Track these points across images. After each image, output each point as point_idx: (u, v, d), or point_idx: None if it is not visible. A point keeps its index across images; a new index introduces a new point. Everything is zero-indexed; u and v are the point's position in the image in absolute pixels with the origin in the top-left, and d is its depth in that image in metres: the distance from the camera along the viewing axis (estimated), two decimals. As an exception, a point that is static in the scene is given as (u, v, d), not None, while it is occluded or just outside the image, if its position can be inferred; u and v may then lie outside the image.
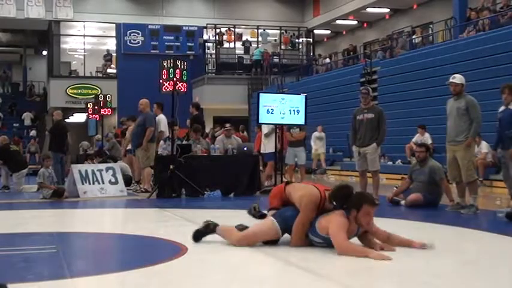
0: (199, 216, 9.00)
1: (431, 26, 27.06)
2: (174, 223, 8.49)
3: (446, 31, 24.08)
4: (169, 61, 12.34)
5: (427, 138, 16.62)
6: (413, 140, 16.77)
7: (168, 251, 6.06)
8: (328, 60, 34.43)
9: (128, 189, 13.27)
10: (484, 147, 14.82)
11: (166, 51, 32.66)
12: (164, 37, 34.45)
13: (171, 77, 12.15)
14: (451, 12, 24.72)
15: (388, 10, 31.96)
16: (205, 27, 35.32)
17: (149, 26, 34.30)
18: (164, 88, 12.31)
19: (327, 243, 5.80)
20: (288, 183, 6.55)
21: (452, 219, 8.54)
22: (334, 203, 5.87)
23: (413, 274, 5.00)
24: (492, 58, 17.63)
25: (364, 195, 6.12)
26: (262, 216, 6.35)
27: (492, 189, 13.83)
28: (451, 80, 9.51)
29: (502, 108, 9.36)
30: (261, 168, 14.73)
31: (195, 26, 35.03)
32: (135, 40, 34.23)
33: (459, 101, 9.43)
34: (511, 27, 18.94)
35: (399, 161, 18.91)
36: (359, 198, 5.84)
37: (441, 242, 6.31)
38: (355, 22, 34.96)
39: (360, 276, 4.98)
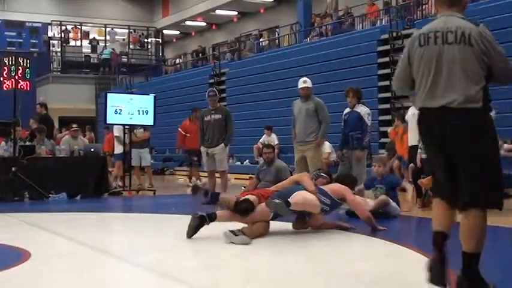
0: (43, 220, 8.73)
1: (277, 29, 27.83)
2: (15, 228, 8.12)
3: (292, 35, 24.89)
4: (10, 58, 11.88)
5: (273, 139, 17.05)
6: (261, 140, 17.16)
7: (10, 257, 5.80)
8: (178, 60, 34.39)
9: None
10: (327, 147, 15.38)
11: (8, 48, 31.21)
12: (5, 33, 32.87)
13: (12, 74, 11.68)
14: (296, 17, 25.58)
15: (236, 13, 32.51)
16: (50, 24, 34.13)
17: (-12, 21, 32.63)
18: (5, 86, 11.80)
19: (331, 207, 7.04)
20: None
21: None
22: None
23: (261, 271, 5.12)
24: (335, 62, 18.45)
25: None
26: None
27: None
28: (304, 85, 9.80)
29: (347, 110, 9.80)
30: (110, 169, 14.47)
31: (39, 22, 33.74)
32: (-28, 35, 32.43)
33: (308, 102, 9.78)
34: (352, 33, 19.91)
35: (247, 161, 19.27)
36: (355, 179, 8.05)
37: (288, 240, 6.54)
38: (204, 24, 35.25)
39: (206, 274, 5.03)
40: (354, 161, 9.55)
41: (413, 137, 10.43)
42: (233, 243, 6.12)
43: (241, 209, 6.49)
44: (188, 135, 14.85)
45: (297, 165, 9.88)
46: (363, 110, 9.66)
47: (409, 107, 11.13)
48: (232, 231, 6.22)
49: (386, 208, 8.48)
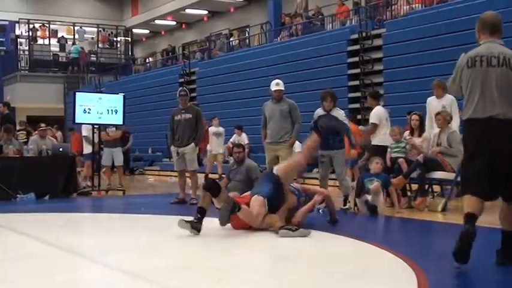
0: (11, 221, 8.63)
1: (247, 29, 27.82)
2: (-18, 228, 8.01)
3: (262, 35, 24.90)
4: (-23, 57, 11.72)
5: (243, 139, 17.04)
6: (231, 140, 17.13)
7: (-23, 258, 5.72)
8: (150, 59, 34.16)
9: None
10: (297, 146, 15.41)
11: (-27, 46, 30.83)
12: (-29, 31, 32.48)
13: (-22, 73, 11.54)
14: (267, 16, 25.61)
15: (206, 12, 32.44)
16: (18, 22, 33.72)
17: (-47, 19, 32.15)
18: (-29, 85, 11.65)
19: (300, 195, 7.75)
20: None
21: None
22: None
23: (234, 271, 5.12)
24: (305, 62, 18.51)
25: None
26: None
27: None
28: (277, 87, 9.88)
29: (321, 112, 9.77)
30: (79, 169, 14.33)
31: (6, 20, 33.33)
32: None
33: (281, 104, 9.90)
34: (322, 33, 19.99)
35: (217, 160, 19.20)
36: None
37: (260, 239, 6.56)
38: (173, 23, 35.11)
39: (176, 274, 5.01)
40: (335, 161, 9.61)
41: (382, 137, 10.47)
42: (293, 236, 6.54)
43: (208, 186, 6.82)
44: None
45: (270, 165, 9.92)
46: (339, 113, 9.71)
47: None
48: (288, 228, 6.66)
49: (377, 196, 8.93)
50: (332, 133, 9.59)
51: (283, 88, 9.97)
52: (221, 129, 17.38)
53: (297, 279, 4.81)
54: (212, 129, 17.15)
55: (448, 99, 10.00)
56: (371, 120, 10.50)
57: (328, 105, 9.71)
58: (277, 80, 10.11)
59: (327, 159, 9.68)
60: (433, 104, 10.18)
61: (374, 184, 8.95)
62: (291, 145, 10.02)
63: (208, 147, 16.92)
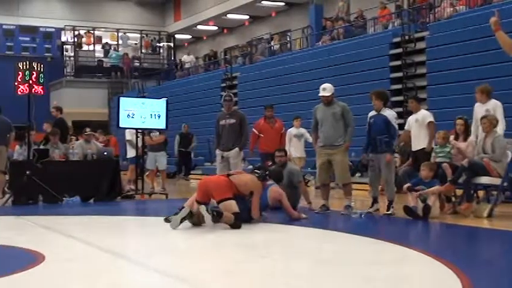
0: (57, 223, 8.77)
1: (289, 33, 27.81)
2: (30, 231, 8.17)
3: (304, 39, 24.87)
4: (24, 63, 12.00)
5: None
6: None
7: (24, 260, 5.83)
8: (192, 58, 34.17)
9: None
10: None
11: (22, 53, 31.50)
12: (20, 38, 33.18)
13: (27, 79, 11.78)
14: (308, 20, 25.57)
15: (247, 17, 32.54)
16: (63, 29, 34.32)
17: (3, 26, 32.88)
18: (20, 91, 11.90)
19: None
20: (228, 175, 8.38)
21: (320, 221, 8.80)
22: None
23: (275, 276, 5.12)
24: (347, 66, 18.41)
25: None
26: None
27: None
28: (323, 93, 9.77)
29: (372, 113, 9.73)
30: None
31: (53, 27, 33.95)
32: (-12, 40, 32.70)
33: (333, 107, 9.75)
34: (364, 36, 19.88)
35: (259, 164, 19.19)
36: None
37: (294, 243, 6.55)
38: (215, 28, 35.30)
39: (220, 278, 5.03)
40: (382, 164, 9.46)
41: (416, 141, 10.32)
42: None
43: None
44: (262, 135, 13.25)
45: (321, 168, 9.86)
46: (389, 113, 9.58)
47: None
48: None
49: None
50: (378, 134, 9.45)
51: (328, 94, 9.76)
52: (302, 131, 15.03)
53: (334, 284, 4.77)
54: (293, 130, 15.05)
55: (492, 103, 9.82)
56: (429, 119, 10.21)
57: (375, 104, 9.62)
58: (324, 85, 9.91)
59: (376, 162, 9.54)
60: (478, 110, 10.01)
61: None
62: (347, 149, 9.82)
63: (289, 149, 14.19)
